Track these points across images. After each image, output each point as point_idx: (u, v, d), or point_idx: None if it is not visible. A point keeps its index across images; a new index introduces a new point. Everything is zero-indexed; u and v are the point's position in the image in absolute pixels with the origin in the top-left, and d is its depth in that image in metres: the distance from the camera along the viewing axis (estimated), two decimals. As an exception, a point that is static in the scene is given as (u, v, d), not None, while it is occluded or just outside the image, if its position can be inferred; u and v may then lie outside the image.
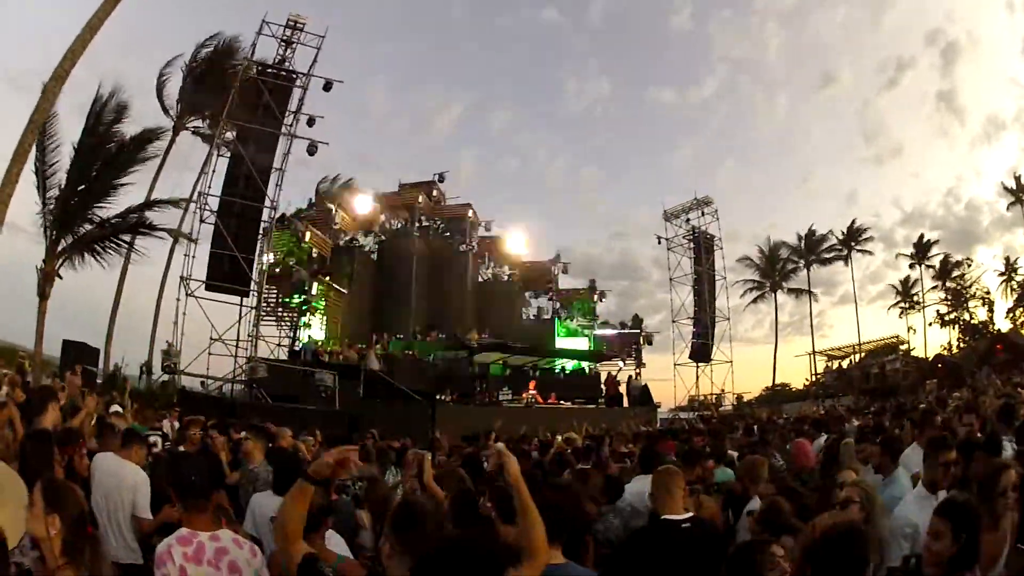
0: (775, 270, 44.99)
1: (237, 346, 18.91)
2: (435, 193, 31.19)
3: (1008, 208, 44.35)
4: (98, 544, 2.66)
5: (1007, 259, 43.88)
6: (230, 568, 2.75)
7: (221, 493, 4.93)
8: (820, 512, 3.35)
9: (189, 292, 18.52)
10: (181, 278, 18.61)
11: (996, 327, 41.60)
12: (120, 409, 8.37)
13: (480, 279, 32.15)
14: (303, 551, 2.46)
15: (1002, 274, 43.52)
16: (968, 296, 44.43)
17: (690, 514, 3.52)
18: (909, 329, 45.30)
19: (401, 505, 2.61)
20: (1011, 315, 42.22)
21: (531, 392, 22.32)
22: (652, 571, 3.23)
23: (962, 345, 42.20)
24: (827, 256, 45.48)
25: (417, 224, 29.41)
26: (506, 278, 32.80)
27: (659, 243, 35.97)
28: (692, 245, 36.14)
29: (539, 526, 2.59)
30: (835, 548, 2.26)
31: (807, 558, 2.32)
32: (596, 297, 32.89)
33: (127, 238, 16.78)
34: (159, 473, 4.78)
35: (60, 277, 15.00)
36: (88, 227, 15.79)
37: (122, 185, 16.36)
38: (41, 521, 2.43)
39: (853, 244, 45.34)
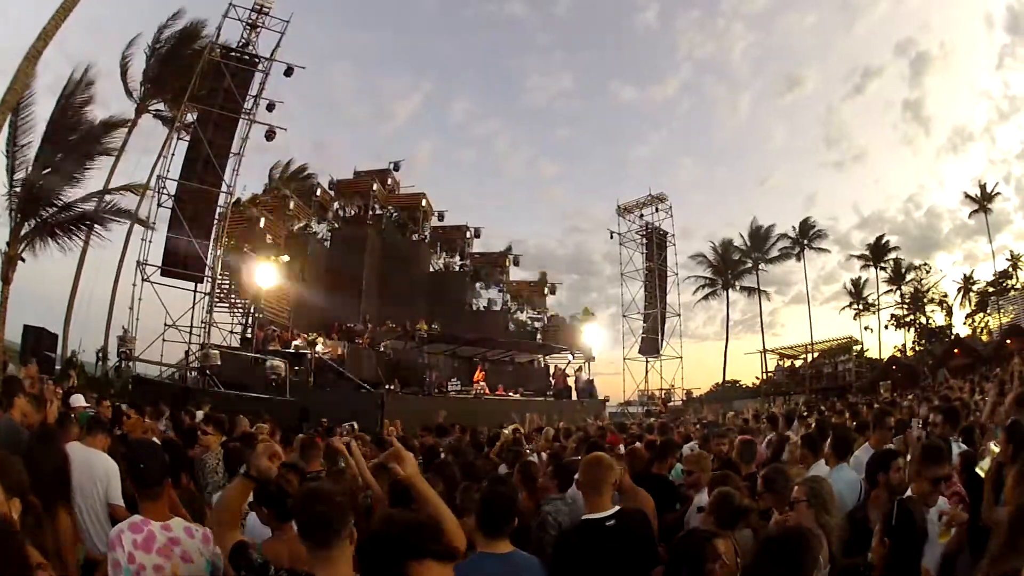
0: (728, 268, 46.79)
1: (191, 332, 19.91)
2: (390, 181, 32.33)
3: (971, 216, 46.66)
4: (57, 519, 2.86)
5: (965, 276, 46.55)
6: (182, 558, 2.86)
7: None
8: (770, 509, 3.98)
9: (145, 277, 19.34)
10: (138, 263, 19.37)
11: (955, 331, 44.40)
12: (83, 400, 8.55)
13: (431, 269, 33.36)
14: (235, 539, 2.64)
15: (960, 288, 46.08)
16: (925, 300, 47.04)
17: (615, 509, 3.53)
18: (865, 329, 47.46)
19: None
20: (970, 320, 44.90)
21: (480, 383, 23.90)
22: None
23: (918, 348, 44.82)
24: (774, 255, 46.83)
25: (371, 212, 30.57)
26: (457, 268, 34.11)
27: (611, 237, 38.19)
28: (645, 240, 38.23)
29: (448, 518, 2.66)
30: (778, 552, 2.40)
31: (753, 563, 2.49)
32: (547, 290, 34.49)
33: (88, 223, 17.59)
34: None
35: (23, 260, 15.85)
36: (51, 211, 16.59)
37: (86, 170, 17.23)
38: (2, 504, 2.54)
39: (806, 241, 46.60)
